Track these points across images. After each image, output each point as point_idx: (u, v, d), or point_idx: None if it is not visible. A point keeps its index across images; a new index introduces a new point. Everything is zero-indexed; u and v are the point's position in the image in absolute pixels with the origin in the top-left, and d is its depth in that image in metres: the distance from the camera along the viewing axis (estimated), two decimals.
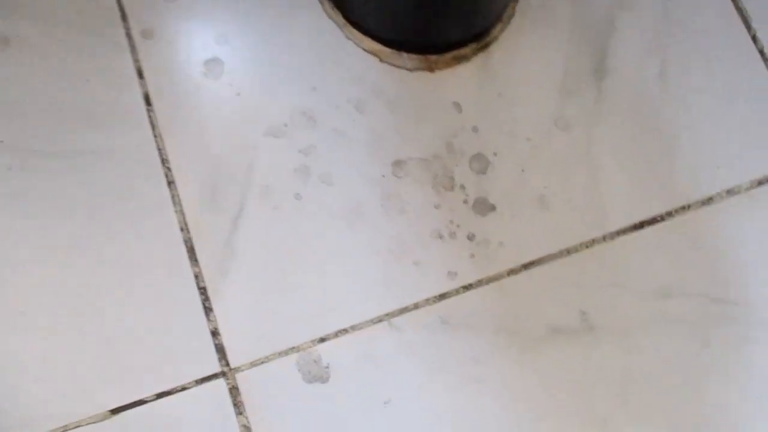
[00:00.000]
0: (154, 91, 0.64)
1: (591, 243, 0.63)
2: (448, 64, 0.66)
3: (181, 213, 0.62)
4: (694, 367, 0.60)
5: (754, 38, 0.68)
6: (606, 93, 0.66)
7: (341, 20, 0.66)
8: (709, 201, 0.64)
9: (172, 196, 0.62)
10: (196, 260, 0.61)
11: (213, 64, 0.65)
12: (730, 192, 0.64)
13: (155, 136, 0.63)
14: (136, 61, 0.65)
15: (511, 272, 0.62)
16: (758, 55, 0.67)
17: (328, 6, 0.67)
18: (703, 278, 0.62)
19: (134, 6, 0.66)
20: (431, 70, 0.66)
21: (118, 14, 0.66)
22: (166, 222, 0.62)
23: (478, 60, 0.67)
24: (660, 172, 0.65)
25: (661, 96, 0.66)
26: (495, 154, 0.64)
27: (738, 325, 0.61)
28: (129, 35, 0.65)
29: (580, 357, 0.60)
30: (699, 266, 0.63)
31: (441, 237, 0.62)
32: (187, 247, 0.61)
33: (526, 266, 0.62)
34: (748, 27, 0.68)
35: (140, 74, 0.65)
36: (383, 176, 0.64)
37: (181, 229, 0.61)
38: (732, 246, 0.63)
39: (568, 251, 0.63)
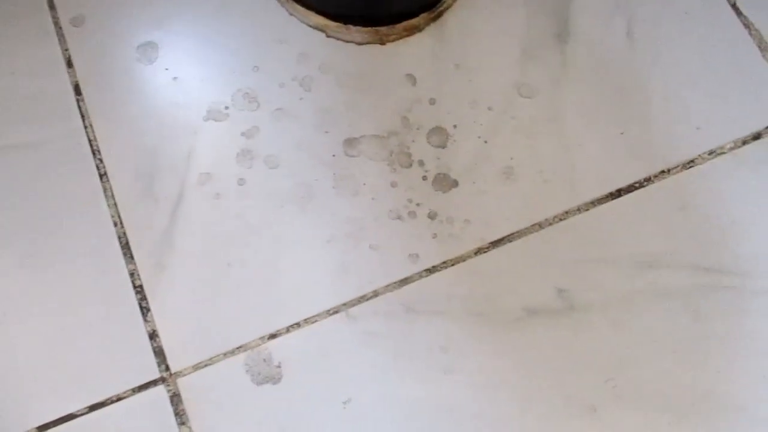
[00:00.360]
0: (84, 80, 0.60)
1: (564, 215, 0.57)
2: (400, 36, 0.62)
3: (114, 206, 0.56)
4: (686, 343, 0.54)
5: None
6: (571, 57, 0.62)
7: None
8: (690, 164, 0.59)
9: (105, 189, 0.57)
10: (131, 256, 0.55)
11: (147, 48, 0.61)
12: (712, 153, 0.59)
13: (86, 127, 0.58)
14: (65, 50, 0.61)
15: (479, 251, 0.56)
16: (730, 9, 0.63)
17: None
18: (689, 246, 0.56)
19: None
20: (382, 42, 0.62)
21: (45, 2, 0.62)
22: (98, 217, 0.56)
23: (431, 30, 0.62)
24: (635, 136, 0.59)
25: (629, 57, 0.62)
26: (455, 127, 0.59)
27: (731, 295, 0.55)
28: (57, 23, 0.61)
29: (561, 339, 0.54)
30: (684, 234, 0.57)
31: (400, 217, 0.57)
32: (121, 243, 0.56)
33: (495, 244, 0.56)
34: None
35: (69, 63, 0.60)
36: (334, 156, 0.58)
37: (115, 224, 0.56)
38: (718, 210, 0.57)
39: (540, 225, 0.57)
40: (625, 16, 0.63)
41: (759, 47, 0.62)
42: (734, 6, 0.63)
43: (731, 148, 0.59)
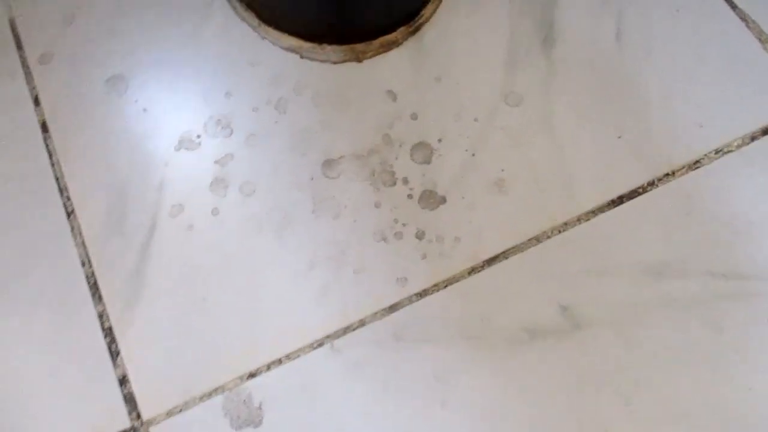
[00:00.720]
0: (51, 117, 0.57)
1: (563, 227, 0.53)
2: (377, 52, 0.59)
3: (82, 245, 0.53)
4: (706, 356, 0.48)
5: None
6: (559, 61, 0.58)
7: (255, 21, 0.60)
8: (695, 164, 0.54)
9: (72, 228, 0.54)
10: (99, 297, 0.52)
11: (116, 81, 0.59)
12: (719, 152, 0.55)
13: (53, 165, 0.56)
14: (32, 88, 0.59)
15: (473, 270, 0.52)
16: (723, 2, 0.60)
17: (241, 9, 0.61)
18: (701, 252, 0.52)
19: (30, 32, 0.61)
20: (359, 60, 0.59)
21: (12, 42, 0.60)
22: (65, 257, 0.53)
23: (410, 44, 0.60)
24: (634, 139, 0.55)
25: (621, 57, 0.58)
26: (439, 141, 0.56)
27: (752, 302, 0.50)
28: (25, 62, 0.59)
29: (567, 360, 0.49)
30: (694, 239, 0.52)
31: (385, 239, 0.53)
32: (89, 283, 0.52)
33: (490, 261, 0.52)
34: None
35: (36, 101, 0.58)
36: (312, 179, 0.55)
37: (83, 264, 0.53)
38: (729, 212, 0.53)
39: (538, 239, 0.53)
40: (613, 16, 0.60)
41: (759, 39, 0.58)
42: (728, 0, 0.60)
43: (738, 146, 0.55)
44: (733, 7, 0.60)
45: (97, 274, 0.52)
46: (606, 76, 0.58)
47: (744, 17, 0.59)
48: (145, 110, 0.58)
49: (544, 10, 0.60)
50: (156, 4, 0.62)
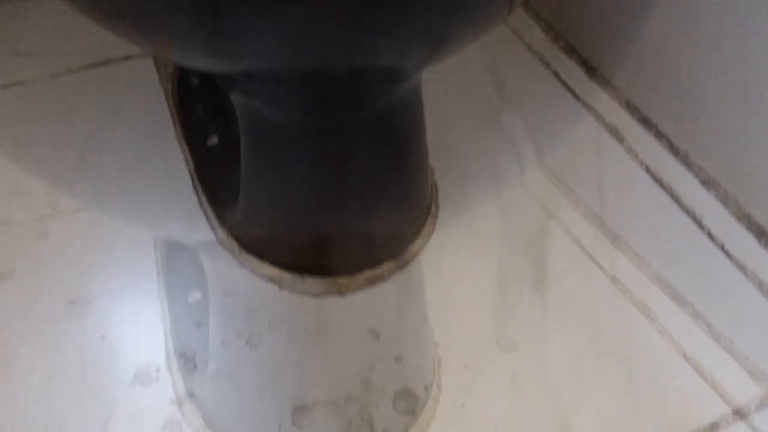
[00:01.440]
0: None
1: None
2: (361, 286, 0.56)
3: None
4: None
5: (711, 236, 0.60)
6: (554, 307, 0.55)
7: (236, 248, 0.57)
8: (713, 428, 0.49)
9: None
10: None
11: (78, 303, 0.54)
12: (737, 413, 0.49)
13: None
14: None
15: None
16: (718, 250, 0.58)
17: (222, 234, 0.58)
18: None
19: None
20: (341, 293, 0.55)
21: None
22: None
23: (396, 280, 0.56)
24: (642, 396, 0.50)
25: (619, 304, 0.55)
26: (425, 389, 0.50)
27: None
28: None
29: None
30: None
31: None
32: None
33: None
34: (700, 225, 0.60)
35: None
36: (280, 427, 0.48)
37: None
38: None
39: None
40: (608, 259, 0.58)
41: (761, 291, 0.56)
42: (723, 248, 0.59)
43: (757, 407, 0.49)
44: (729, 256, 0.58)
45: None
46: (605, 326, 0.54)
47: (743, 268, 0.57)
48: (103, 337, 0.53)
49: (536, 252, 0.58)
50: (136, 223, 0.60)
